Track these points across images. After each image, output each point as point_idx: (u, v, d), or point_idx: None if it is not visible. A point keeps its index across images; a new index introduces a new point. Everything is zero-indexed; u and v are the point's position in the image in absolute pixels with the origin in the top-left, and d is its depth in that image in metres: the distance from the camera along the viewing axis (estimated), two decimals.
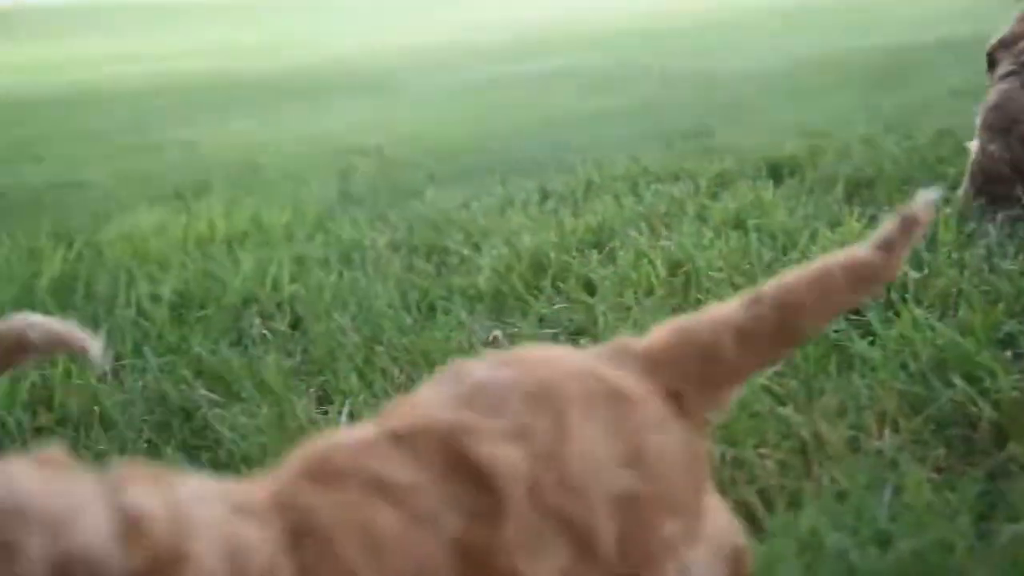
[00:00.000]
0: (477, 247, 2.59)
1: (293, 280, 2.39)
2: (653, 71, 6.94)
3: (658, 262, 2.21)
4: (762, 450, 1.41)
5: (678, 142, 3.92)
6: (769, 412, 1.51)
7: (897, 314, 1.77)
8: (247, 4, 25.98)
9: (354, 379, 1.81)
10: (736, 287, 2.02)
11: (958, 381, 1.49)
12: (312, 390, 1.81)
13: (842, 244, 2.14)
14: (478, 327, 2.04)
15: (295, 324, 2.16)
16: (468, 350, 1.91)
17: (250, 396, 1.76)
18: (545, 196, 3.12)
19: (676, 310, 1.99)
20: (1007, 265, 1.90)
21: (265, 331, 2.08)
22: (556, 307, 2.12)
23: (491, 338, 2.00)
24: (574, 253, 2.41)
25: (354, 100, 6.98)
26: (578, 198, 3.02)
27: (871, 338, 1.72)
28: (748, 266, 2.15)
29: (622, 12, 15.38)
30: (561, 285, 2.21)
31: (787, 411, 1.50)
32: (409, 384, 1.80)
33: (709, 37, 9.95)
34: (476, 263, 2.45)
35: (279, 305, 2.25)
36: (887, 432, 1.43)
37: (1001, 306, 1.72)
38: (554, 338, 1.97)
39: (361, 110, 6.41)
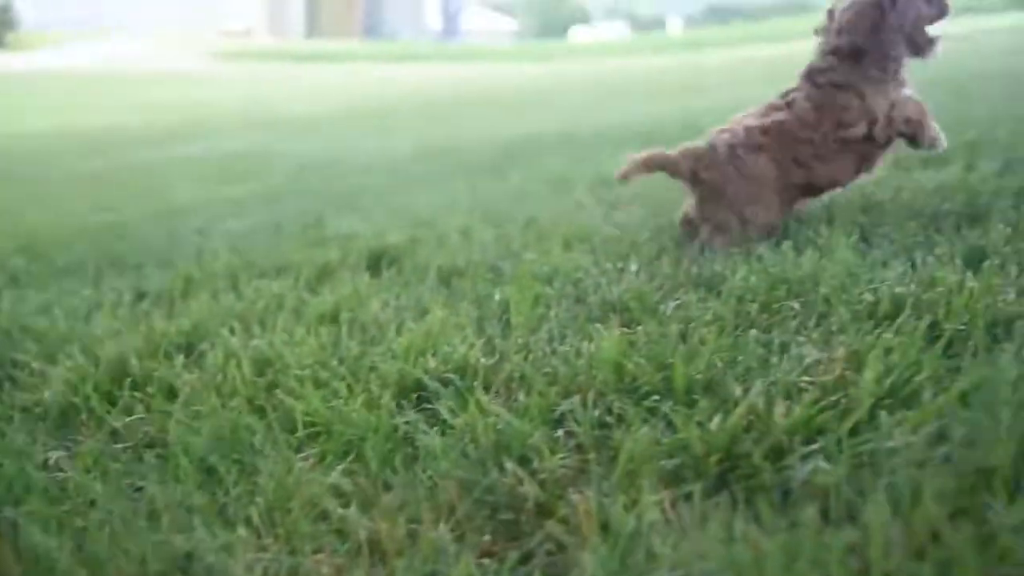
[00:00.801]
0: (52, 358, 2.38)
1: None
2: (277, 160, 6.92)
3: (245, 363, 2.16)
4: (319, 556, 1.39)
5: (290, 233, 3.90)
6: (333, 513, 1.50)
7: (466, 402, 1.85)
8: None
9: None
10: (320, 384, 2.01)
11: (510, 464, 1.57)
12: None
13: (426, 334, 2.22)
14: (37, 449, 1.86)
15: None
16: (21, 477, 1.73)
17: None
18: (140, 296, 2.96)
19: (257, 412, 1.95)
20: (563, 348, 2.04)
21: None
22: (132, 418, 1.99)
23: (52, 461, 1.82)
24: (160, 358, 2.29)
25: None
26: (175, 297, 2.89)
27: (441, 428, 1.78)
28: (336, 361, 2.15)
29: (256, 101, 15.30)
30: (139, 394, 2.09)
31: (349, 511, 1.49)
32: None
33: (345, 126, 10.15)
34: (48, 376, 2.25)
35: None
36: (442, 522, 1.46)
37: (556, 388, 1.85)
38: (123, 452, 1.84)
39: None
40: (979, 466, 1.32)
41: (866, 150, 2.75)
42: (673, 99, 10.33)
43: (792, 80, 2.84)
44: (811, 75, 2.78)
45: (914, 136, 2.74)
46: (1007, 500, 1.26)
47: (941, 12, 2.76)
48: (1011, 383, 1.50)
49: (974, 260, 2.15)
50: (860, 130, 2.71)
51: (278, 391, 2.02)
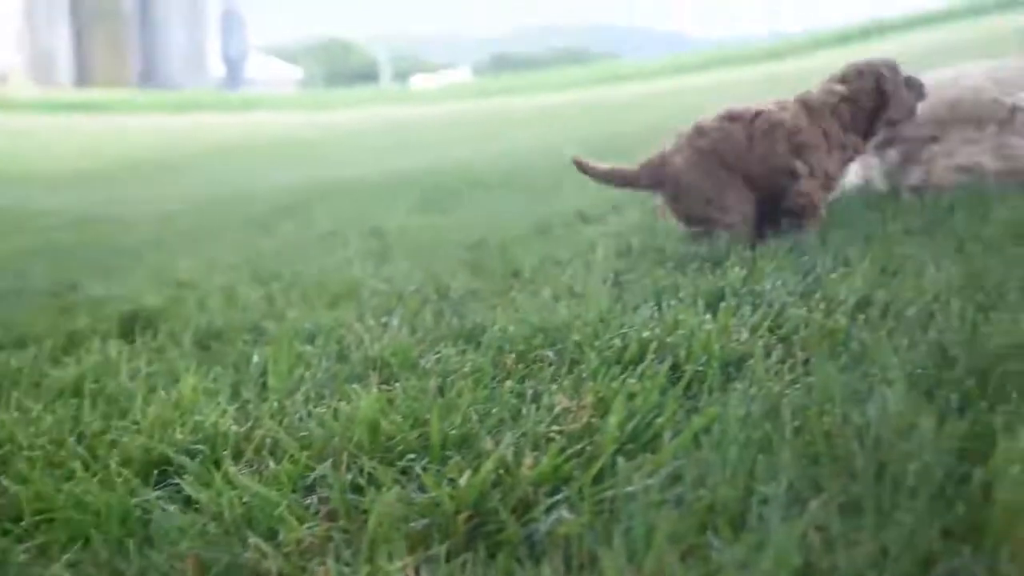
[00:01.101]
0: None
1: None
2: (31, 218, 6.48)
3: None
4: None
5: (36, 298, 3.63)
6: None
7: (213, 474, 1.75)
8: None
9: None
10: (54, 464, 1.86)
11: (253, 538, 1.50)
12: None
13: (176, 403, 2.10)
14: None
15: None
16: None
17: None
18: None
19: None
20: (320, 409, 1.98)
21: None
22: None
23: None
24: None
25: None
26: None
27: (184, 504, 1.67)
28: (73, 439, 2.00)
29: (14, 154, 14.35)
30: None
31: None
32: None
33: (113, 180, 9.65)
34: None
35: None
36: None
37: (309, 452, 1.79)
38: None
39: None
40: (708, 504, 1.37)
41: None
42: (458, 146, 10.50)
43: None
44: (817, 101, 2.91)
45: (801, 215, 2.89)
46: (732, 537, 1.31)
47: (920, 96, 2.99)
48: (739, 420, 1.58)
49: (714, 302, 2.27)
50: (786, 161, 2.86)
51: (3, 477, 1.85)
